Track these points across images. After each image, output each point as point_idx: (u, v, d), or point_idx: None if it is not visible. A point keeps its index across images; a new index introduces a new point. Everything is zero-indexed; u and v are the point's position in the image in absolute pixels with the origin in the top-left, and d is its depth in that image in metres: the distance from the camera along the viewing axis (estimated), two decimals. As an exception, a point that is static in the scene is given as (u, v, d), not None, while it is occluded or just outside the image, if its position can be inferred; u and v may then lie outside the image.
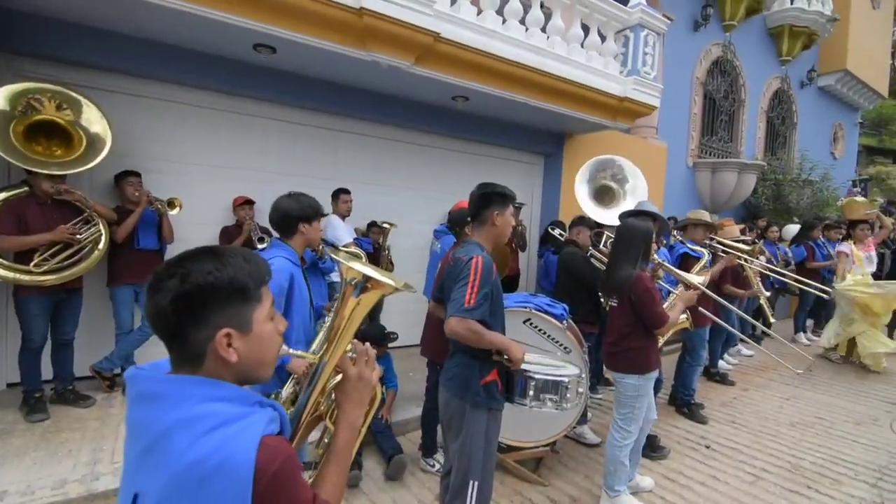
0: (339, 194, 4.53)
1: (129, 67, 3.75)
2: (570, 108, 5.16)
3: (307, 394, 1.14)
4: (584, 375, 2.51)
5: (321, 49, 3.66)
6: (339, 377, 1.10)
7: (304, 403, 1.14)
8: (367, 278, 1.14)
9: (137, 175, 3.69)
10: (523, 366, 2.06)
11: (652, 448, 3.50)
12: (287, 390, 1.58)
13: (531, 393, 2.12)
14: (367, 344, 1.12)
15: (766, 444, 3.81)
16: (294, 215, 2.23)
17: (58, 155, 3.25)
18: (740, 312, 4.17)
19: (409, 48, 3.90)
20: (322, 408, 1.16)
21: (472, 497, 2.02)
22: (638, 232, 2.72)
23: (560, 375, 2.16)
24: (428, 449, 3.21)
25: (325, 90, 4.53)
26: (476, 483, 2.03)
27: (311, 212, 2.29)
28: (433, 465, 3.18)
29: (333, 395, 1.13)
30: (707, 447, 3.72)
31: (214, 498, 0.75)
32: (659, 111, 7.23)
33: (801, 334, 7.28)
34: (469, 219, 2.24)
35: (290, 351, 1.05)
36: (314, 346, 1.36)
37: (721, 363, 5.60)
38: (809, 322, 7.72)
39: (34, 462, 2.76)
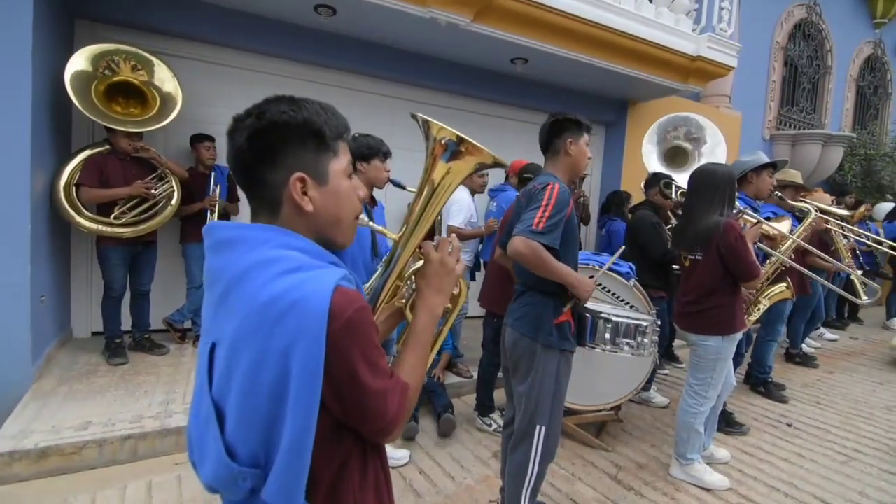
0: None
1: (200, 34, 3.87)
2: (637, 68, 4.85)
3: (385, 275, 1.07)
4: (658, 323, 2.34)
5: (380, 6, 3.62)
6: (421, 263, 1.03)
7: (381, 284, 1.07)
8: (460, 139, 1.01)
9: (212, 139, 3.83)
10: (592, 305, 1.93)
11: (728, 423, 3.25)
12: (372, 280, 1.55)
13: (607, 336, 1.98)
14: (454, 234, 1.05)
15: (859, 426, 3.45)
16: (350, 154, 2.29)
17: (135, 114, 3.42)
18: (829, 284, 3.76)
19: (467, 3, 3.78)
20: (403, 300, 1.09)
21: (538, 443, 1.92)
22: (720, 176, 2.48)
23: (638, 318, 2.01)
24: (486, 407, 3.14)
25: (382, 55, 4.50)
26: (543, 428, 1.92)
27: (367, 150, 2.31)
28: (490, 425, 3.11)
29: (414, 283, 1.06)
30: (789, 425, 3.42)
31: (287, 335, 0.71)
32: (733, 78, 6.72)
33: (895, 321, 6.59)
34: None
35: (370, 223, 0.99)
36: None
37: (802, 346, 5.15)
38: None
39: (115, 399, 2.94)
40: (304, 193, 0.82)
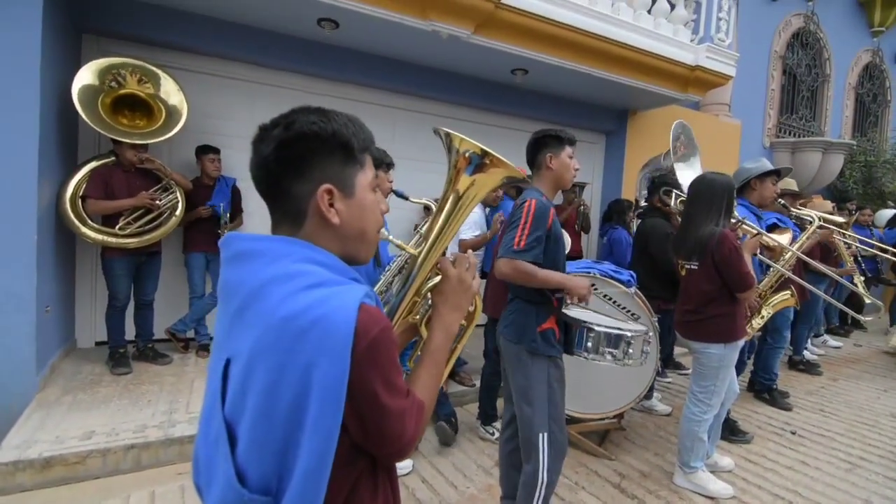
0: None
1: (205, 47, 3.93)
2: (636, 78, 4.90)
3: (403, 291, 1.04)
4: (651, 334, 2.34)
5: (382, 20, 3.68)
6: (437, 279, 1.01)
7: (399, 300, 1.04)
8: (485, 153, 1.00)
9: (217, 151, 3.86)
10: (574, 314, 1.97)
11: (732, 432, 3.24)
12: (378, 287, 1.54)
13: (589, 345, 2.01)
14: (470, 251, 1.05)
15: (863, 434, 3.44)
16: None
17: (141, 126, 3.47)
18: (826, 296, 3.76)
19: (469, 16, 3.84)
20: (417, 316, 1.07)
21: (544, 451, 1.92)
22: (718, 186, 2.50)
23: (623, 329, 2.03)
24: (488, 416, 3.14)
25: (384, 67, 4.56)
26: (545, 435, 1.93)
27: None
28: (492, 434, 3.10)
29: (430, 300, 1.04)
30: (793, 433, 3.40)
31: (309, 353, 0.68)
32: (732, 87, 6.78)
33: (898, 328, 6.56)
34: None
35: (391, 238, 0.99)
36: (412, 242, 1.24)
37: (805, 353, 5.13)
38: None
39: (118, 409, 2.95)
40: (331, 206, 0.80)
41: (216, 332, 0.83)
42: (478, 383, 3.34)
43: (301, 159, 0.79)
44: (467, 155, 1.03)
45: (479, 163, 1.03)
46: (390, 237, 0.99)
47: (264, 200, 0.84)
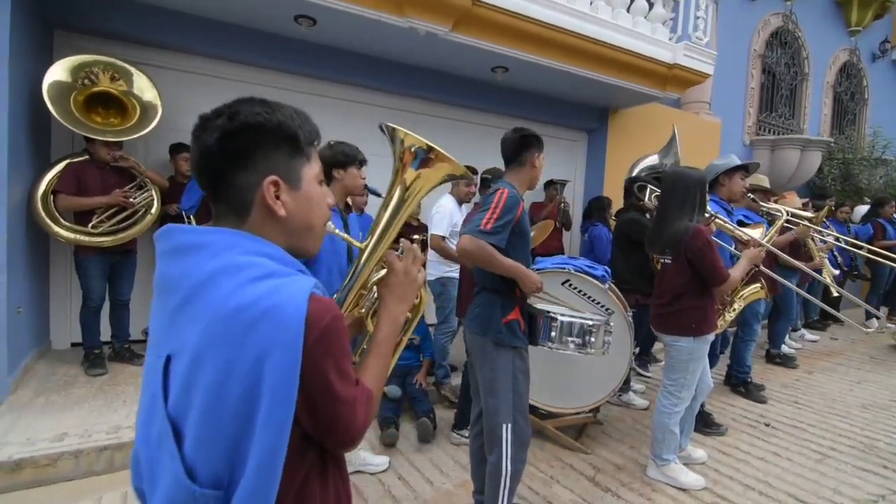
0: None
1: (178, 43, 3.89)
2: (615, 76, 4.94)
3: (350, 284, 1.06)
4: (612, 324, 2.39)
5: (359, 16, 3.67)
6: (383, 272, 1.03)
7: (344, 295, 1.06)
8: (429, 148, 1.03)
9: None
10: (540, 305, 2.01)
11: (706, 424, 3.29)
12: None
13: (553, 335, 2.06)
14: (415, 245, 1.06)
15: (835, 425, 3.51)
16: (327, 162, 2.31)
17: (115, 124, 3.43)
18: (796, 288, 3.82)
19: (445, 12, 3.84)
20: (363, 310, 1.08)
21: (507, 441, 1.95)
22: (691, 180, 2.53)
23: (584, 318, 2.08)
24: (465, 415, 3.14)
25: (362, 64, 4.54)
26: (509, 426, 1.95)
27: (344, 158, 2.35)
28: (467, 437, 3.10)
29: (376, 292, 1.06)
30: (766, 425, 3.46)
31: (259, 346, 0.68)
32: (712, 85, 6.87)
33: (875, 321, 6.68)
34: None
35: (336, 231, 0.99)
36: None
37: (783, 347, 5.22)
38: (884, 309, 7.07)
39: (92, 410, 2.91)
40: (277, 198, 0.80)
41: (151, 331, 0.81)
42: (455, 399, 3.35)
43: (246, 150, 0.78)
44: (413, 149, 1.05)
45: (425, 157, 1.05)
46: (336, 230, 1.00)
47: (206, 192, 0.83)
